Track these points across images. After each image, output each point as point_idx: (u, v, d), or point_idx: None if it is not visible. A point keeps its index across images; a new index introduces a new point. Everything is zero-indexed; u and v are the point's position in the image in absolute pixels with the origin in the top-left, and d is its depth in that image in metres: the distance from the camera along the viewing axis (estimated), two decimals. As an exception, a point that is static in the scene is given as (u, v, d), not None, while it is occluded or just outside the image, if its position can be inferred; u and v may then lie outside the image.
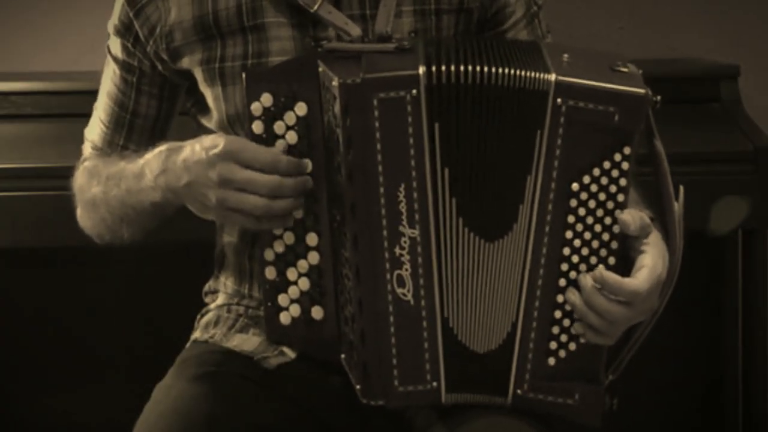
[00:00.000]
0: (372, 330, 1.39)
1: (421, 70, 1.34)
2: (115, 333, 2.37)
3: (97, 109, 1.69)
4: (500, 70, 1.36)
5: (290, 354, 1.56)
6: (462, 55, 1.38)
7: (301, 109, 1.40)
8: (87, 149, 1.71)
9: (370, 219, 1.36)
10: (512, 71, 1.36)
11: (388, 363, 1.39)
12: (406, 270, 1.38)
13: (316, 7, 1.50)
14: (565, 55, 1.39)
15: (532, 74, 1.36)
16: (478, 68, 1.36)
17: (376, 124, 1.34)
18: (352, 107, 1.34)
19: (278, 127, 1.41)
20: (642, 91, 1.35)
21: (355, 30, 1.48)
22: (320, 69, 1.38)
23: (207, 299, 1.73)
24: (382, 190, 1.36)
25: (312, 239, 1.43)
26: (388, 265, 1.37)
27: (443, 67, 1.35)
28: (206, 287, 1.74)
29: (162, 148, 1.46)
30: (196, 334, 1.67)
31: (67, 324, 2.37)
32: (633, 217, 1.37)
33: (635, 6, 2.57)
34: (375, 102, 1.34)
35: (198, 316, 1.71)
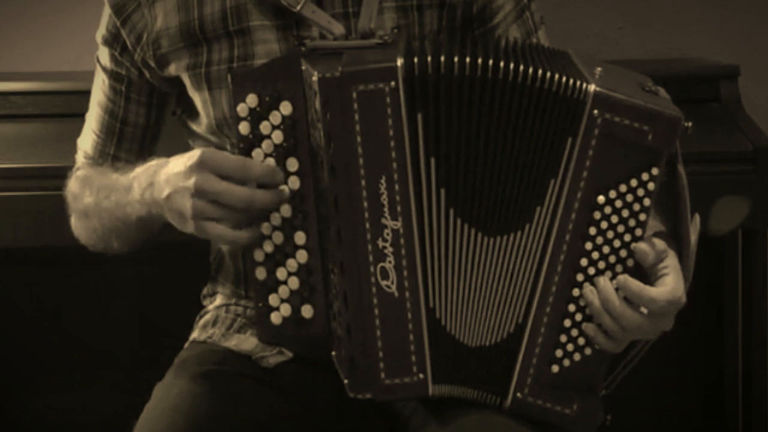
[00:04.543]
0: (357, 323, 1.39)
1: (399, 61, 1.34)
2: (114, 333, 2.37)
3: (89, 118, 1.70)
4: (511, 66, 1.35)
5: (288, 353, 1.57)
6: (458, 49, 1.37)
7: (286, 108, 1.41)
8: (80, 158, 1.72)
9: (353, 212, 1.36)
10: (531, 71, 1.35)
11: (374, 356, 1.39)
12: (390, 262, 1.37)
13: (299, 7, 1.51)
14: (599, 69, 1.39)
15: (564, 79, 1.35)
16: (479, 60, 1.35)
17: (356, 117, 1.34)
18: (331, 100, 1.35)
19: (264, 127, 1.41)
20: (679, 114, 1.35)
21: (339, 28, 1.49)
22: (303, 67, 1.39)
23: (205, 302, 1.73)
24: (363, 182, 1.36)
25: (300, 238, 1.43)
26: (371, 258, 1.37)
27: (429, 58, 1.35)
28: (204, 291, 1.74)
29: (152, 162, 1.47)
30: (195, 334, 1.67)
31: (67, 324, 2.37)
32: (651, 247, 1.36)
33: (635, 6, 2.57)
34: (354, 94, 1.34)
35: (197, 318, 1.71)
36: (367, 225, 1.37)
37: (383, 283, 1.38)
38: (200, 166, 1.38)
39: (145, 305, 2.36)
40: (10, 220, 2.09)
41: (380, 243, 1.37)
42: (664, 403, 2.46)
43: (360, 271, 1.37)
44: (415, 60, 1.35)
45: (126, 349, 2.37)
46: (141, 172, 1.48)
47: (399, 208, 1.37)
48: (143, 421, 1.49)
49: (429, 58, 1.35)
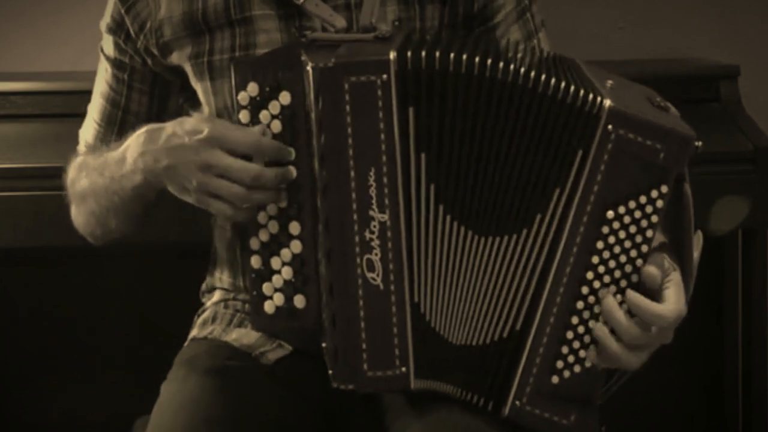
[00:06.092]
0: (342, 314, 1.39)
1: (392, 55, 1.34)
2: (114, 332, 2.37)
3: (91, 109, 1.71)
4: (511, 67, 1.34)
5: (288, 346, 1.56)
6: (456, 45, 1.37)
7: (285, 98, 1.40)
8: (81, 148, 1.73)
9: (341, 203, 1.37)
10: (544, 78, 1.34)
11: (357, 347, 1.39)
12: (376, 254, 1.37)
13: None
14: (609, 81, 1.39)
15: (573, 89, 1.34)
16: (476, 59, 1.34)
17: (347, 108, 1.35)
18: (323, 90, 1.35)
19: (263, 116, 1.41)
20: (692, 133, 1.35)
21: (340, 21, 1.49)
22: (302, 58, 1.39)
23: (204, 299, 1.73)
24: (352, 173, 1.36)
25: (295, 228, 1.43)
26: (358, 249, 1.37)
27: (423, 53, 1.35)
28: (203, 286, 1.75)
29: (142, 130, 1.46)
30: (194, 332, 1.67)
31: (67, 323, 2.37)
32: (659, 269, 1.36)
33: (635, 6, 2.57)
34: (346, 86, 1.34)
35: (195, 316, 1.71)
36: (355, 216, 1.37)
37: (369, 275, 1.38)
38: (208, 142, 1.38)
39: (145, 305, 2.36)
40: (10, 220, 2.09)
41: (367, 235, 1.37)
42: (664, 403, 2.46)
43: (346, 261, 1.38)
44: (409, 54, 1.35)
45: (126, 349, 2.37)
46: (131, 141, 1.47)
47: (387, 201, 1.37)
48: (159, 415, 1.48)
49: (423, 53, 1.35)
